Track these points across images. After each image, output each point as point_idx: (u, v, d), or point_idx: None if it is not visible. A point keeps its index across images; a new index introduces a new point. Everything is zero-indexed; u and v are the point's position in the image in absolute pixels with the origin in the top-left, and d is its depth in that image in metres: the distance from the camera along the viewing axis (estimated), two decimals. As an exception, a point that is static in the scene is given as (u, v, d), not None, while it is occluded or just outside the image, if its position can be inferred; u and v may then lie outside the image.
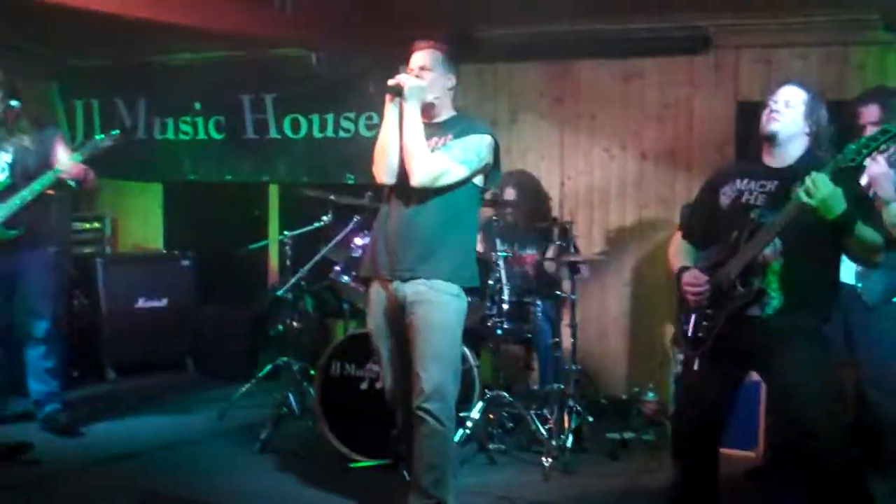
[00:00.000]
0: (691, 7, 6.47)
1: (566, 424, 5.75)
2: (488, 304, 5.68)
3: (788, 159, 3.85)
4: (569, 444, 5.65)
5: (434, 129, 4.37)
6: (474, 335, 5.71)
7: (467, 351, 5.34)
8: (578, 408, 5.90)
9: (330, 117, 7.96)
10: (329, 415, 5.51)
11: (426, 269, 4.27)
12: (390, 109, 4.35)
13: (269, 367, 6.67)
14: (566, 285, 6.21)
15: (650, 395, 6.38)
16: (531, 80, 7.35)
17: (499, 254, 5.74)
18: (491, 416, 5.72)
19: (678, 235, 4.29)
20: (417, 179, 4.22)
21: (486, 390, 5.71)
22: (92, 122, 8.85)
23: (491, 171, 4.42)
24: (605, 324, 7.16)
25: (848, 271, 4.61)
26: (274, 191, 8.48)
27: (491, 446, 5.66)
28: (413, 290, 4.29)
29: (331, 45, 7.30)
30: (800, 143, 3.85)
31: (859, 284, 4.82)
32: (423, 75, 4.33)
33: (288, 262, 6.60)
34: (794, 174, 3.73)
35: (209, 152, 8.51)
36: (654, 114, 6.98)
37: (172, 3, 5.73)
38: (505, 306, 5.68)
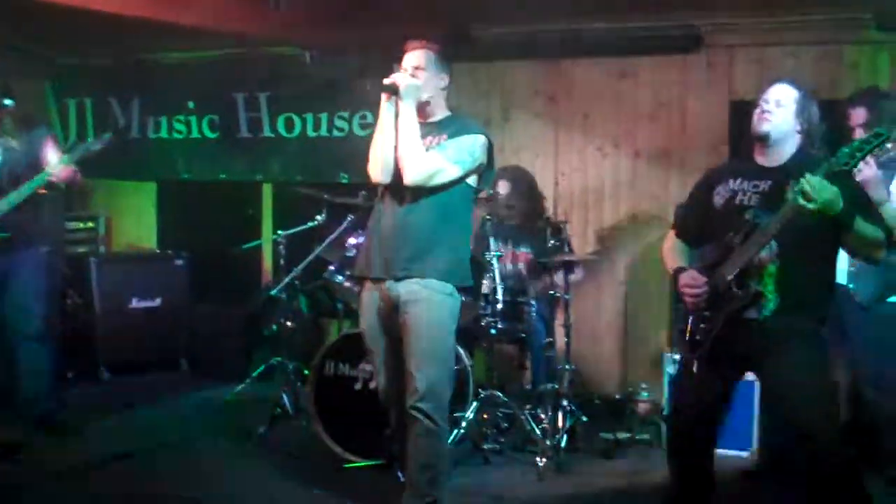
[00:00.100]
0: (684, 6, 6.47)
1: (560, 424, 5.74)
2: (482, 304, 5.68)
3: (781, 158, 3.86)
4: (563, 443, 5.65)
5: (428, 128, 4.38)
6: (468, 335, 5.71)
7: (461, 350, 5.35)
8: (572, 407, 5.89)
9: (324, 116, 7.95)
10: (323, 415, 5.51)
11: (420, 268, 4.28)
12: (385, 108, 4.35)
13: (262, 366, 6.68)
14: (560, 284, 6.20)
15: (644, 394, 6.39)
16: (525, 78, 7.35)
17: (492, 254, 5.74)
18: (485, 416, 5.73)
19: (672, 234, 4.29)
20: (411, 178, 4.23)
21: (480, 390, 5.71)
22: (85, 122, 8.83)
23: (484, 171, 4.42)
24: (599, 323, 7.17)
25: (840, 272, 4.62)
26: (268, 190, 8.47)
27: (485, 446, 5.67)
28: (407, 289, 4.29)
29: (325, 44, 7.29)
30: (792, 141, 3.86)
31: (851, 285, 4.83)
32: (417, 75, 4.34)
33: (282, 262, 6.60)
34: (787, 173, 3.74)
35: (203, 151, 8.50)
36: (647, 112, 6.99)
37: (167, 2, 5.72)
38: (499, 306, 5.68)
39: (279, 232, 6.64)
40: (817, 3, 6.19)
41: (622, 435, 6.03)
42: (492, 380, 5.87)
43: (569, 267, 6.05)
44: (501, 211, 6.28)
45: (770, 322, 3.72)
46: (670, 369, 5.88)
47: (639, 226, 7.00)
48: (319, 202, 6.32)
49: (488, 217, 5.95)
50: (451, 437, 5.16)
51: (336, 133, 7.91)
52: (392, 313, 4.36)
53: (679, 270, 4.04)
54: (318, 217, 6.35)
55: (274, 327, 6.86)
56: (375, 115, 4.41)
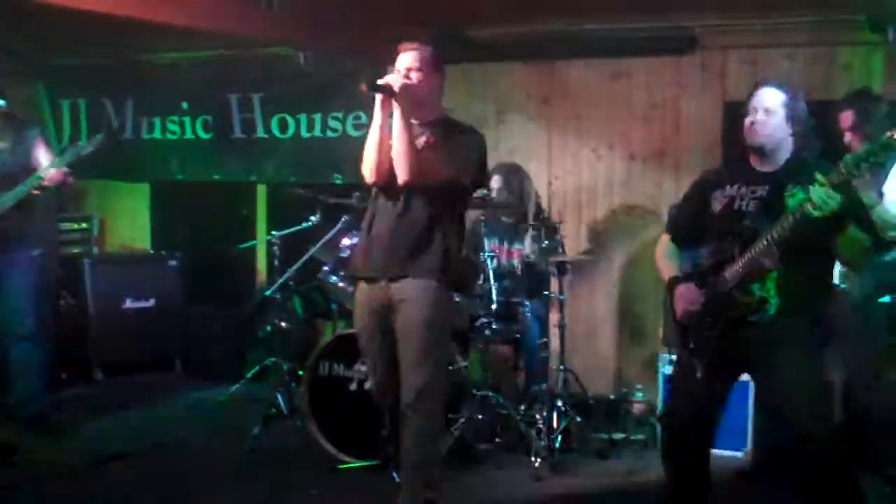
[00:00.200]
0: (678, 7, 6.48)
1: (555, 424, 5.74)
2: (477, 305, 5.68)
3: (777, 163, 3.87)
4: (557, 444, 5.65)
5: (423, 129, 4.38)
6: (463, 335, 5.72)
7: (456, 351, 5.35)
8: (567, 408, 5.90)
9: (318, 117, 7.96)
10: (318, 415, 5.51)
11: (414, 268, 4.28)
12: (379, 109, 4.35)
13: (257, 367, 6.68)
14: (554, 285, 6.21)
15: (639, 394, 6.40)
16: (519, 80, 7.35)
17: (486, 254, 5.74)
18: (480, 417, 5.72)
19: (665, 238, 4.29)
20: (406, 178, 4.23)
21: (475, 391, 5.71)
22: (79, 123, 8.83)
23: (477, 171, 4.42)
24: (594, 323, 7.17)
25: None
26: (262, 190, 8.45)
27: (480, 447, 5.66)
28: (401, 289, 4.29)
29: (318, 45, 7.28)
30: (786, 145, 3.87)
31: (843, 285, 4.84)
32: (411, 76, 4.34)
33: (276, 263, 6.60)
34: (785, 177, 3.77)
35: (197, 152, 8.50)
36: (641, 114, 6.99)
37: (160, 3, 5.71)
38: (493, 307, 5.69)
39: (273, 233, 6.64)
40: (811, 5, 6.19)
41: (617, 435, 6.04)
42: (486, 380, 5.87)
43: (563, 268, 6.06)
44: (495, 205, 6.26)
45: (771, 324, 3.73)
46: (665, 369, 5.89)
47: (633, 227, 7.00)
48: (313, 203, 6.32)
49: (482, 218, 5.95)
50: (446, 438, 5.16)
51: (330, 134, 7.91)
52: (387, 313, 4.36)
53: (674, 281, 4.05)
54: (313, 218, 6.35)
55: (268, 328, 6.85)
56: (369, 116, 4.41)
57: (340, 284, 5.67)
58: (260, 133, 8.19)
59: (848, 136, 4.96)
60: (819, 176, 3.46)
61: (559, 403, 5.85)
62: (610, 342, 7.16)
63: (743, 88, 6.32)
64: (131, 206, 8.99)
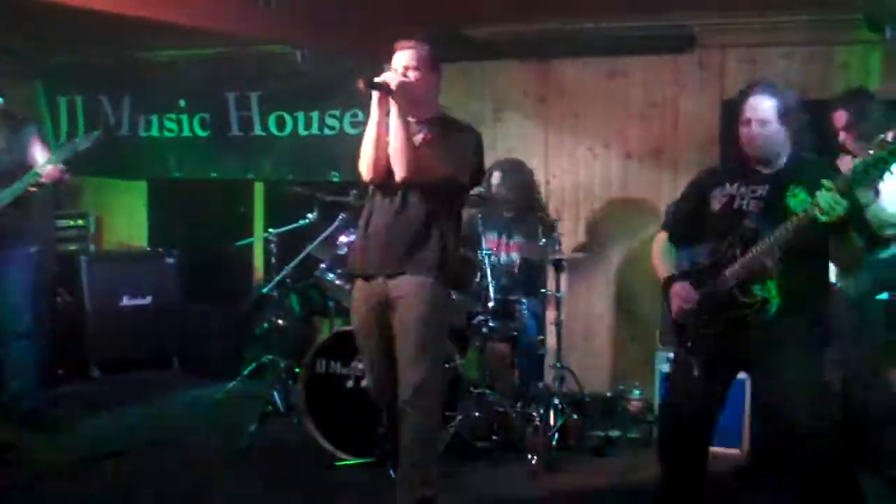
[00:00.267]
0: (676, 6, 6.48)
1: (552, 422, 5.75)
2: (474, 302, 5.69)
3: (777, 164, 3.88)
4: (554, 442, 5.66)
5: (419, 127, 4.39)
6: (460, 333, 5.72)
7: (453, 349, 5.35)
8: (564, 406, 5.90)
9: (315, 115, 7.95)
10: (314, 413, 5.51)
11: (411, 265, 4.29)
12: (376, 107, 4.36)
13: (254, 364, 6.68)
14: (551, 283, 6.21)
15: (635, 392, 6.40)
16: (516, 78, 7.35)
17: (484, 252, 5.75)
18: (476, 414, 5.72)
19: (662, 236, 4.29)
20: (403, 176, 4.24)
21: (472, 388, 5.71)
22: (76, 120, 8.81)
23: (474, 168, 4.43)
24: (590, 322, 7.18)
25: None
26: (259, 188, 8.45)
27: (477, 444, 5.66)
28: (398, 286, 4.30)
29: (316, 43, 7.28)
30: (785, 147, 3.87)
31: (839, 283, 4.85)
32: (408, 74, 4.35)
33: (273, 260, 6.60)
34: (785, 177, 3.78)
35: (194, 149, 8.49)
36: (638, 113, 6.99)
37: (158, 1, 5.71)
38: (490, 304, 5.69)
39: (270, 230, 6.64)
40: (809, 4, 6.20)
41: (614, 433, 6.05)
42: (483, 378, 5.87)
43: (560, 265, 6.06)
44: (494, 200, 6.27)
45: (771, 323, 3.74)
46: (662, 367, 5.89)
47: (630, 225, 7.00)
48: (311, 200, 6.32)
49: (479, 215, 5.96)
50: (443, 435, 5.16)
51: (327, 131, 7.90)
52: (384, 311, 4.37)
53: (671, 280, 4.05)
54: (310, 215, 6.34)
55: (265, 325, 6.85)
56: (366, 114, 4.41)
57: (337, 282, 5.67)
58: (257, 131, 8.18)
59: (842, 136, 4.97)
60: (827, 182, 3.47)
61: (556, 401, 5.85)
62: (607, 340, 7.16)
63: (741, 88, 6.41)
64: (128, 203, 8.98)
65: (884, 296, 4.99)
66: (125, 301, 7.87)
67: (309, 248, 6.14)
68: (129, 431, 6.18)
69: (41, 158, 5.77)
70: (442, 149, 4.29)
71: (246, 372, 6.67)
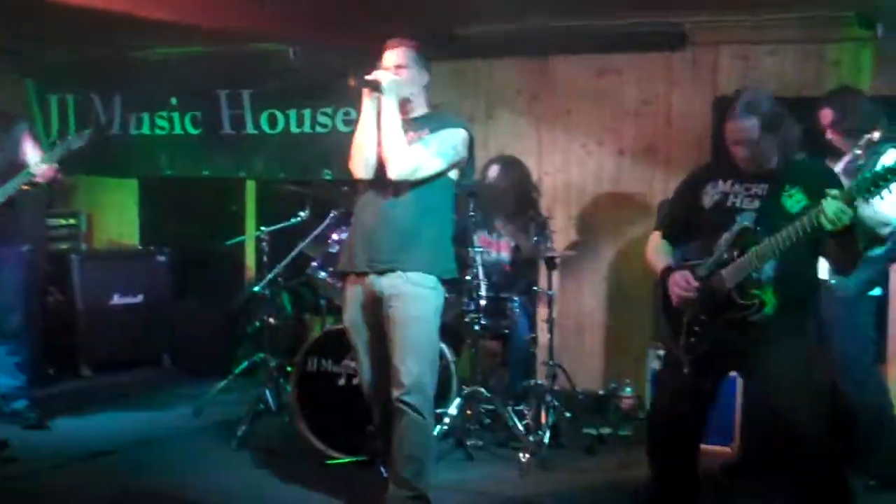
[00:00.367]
0: (669, 4, 6.47)
1: (543, 420, 5.75)
2: (465, 300, 5.68)
3: (767, 167, 3.86)
4: (546, 439, 5.66)
5: (410, 124, 4.41)
6: (452, 331, 5.70)
7: (444, 346, 5.34)
8: (556, 403, 5.90)
9: (307, 113, 7.93)
10: (306, 411, 5.49)
11: (403, 261, 4.30)
12: (367, 104, 4.37)
13: (245, 363, 6.65)
14: (543, 280, 6.20)
15: (627, 390, 6.40)
16: (508, 76, 7.34)
17: (476, 250, 5.74)
18: (468, 412, 5.72)
19: (656, 235, 4.29)
20: (395, 172, 4.25)
21: (464, 386, 5.71)
22: (67, 118, 8.79)
23: (466, 165, 4.46)
24: (582, 319, 7.17)
25: (822, 267, 4.64)
26: (251, 186, 8.43)
27: (468, 442, 5.67)
28: (390, 283, 4.31)
29: (308, 41, 7.27)
30: (772, 153, 3.85)
31: (833, 280, 4.84)
32: (398, 73, 4.37)
33: (265, 258, 6.58)
34: (780, 177, 3.78)
35: (186, 147, 8.48)
36: (631, 110, 6.98)
37: (150, -1, 5.70)
38: (482, 302, 5.69)
39: (262, 228, 6.62)
40: (801, 2, 6.19)
41: (605, 430, 6.04)
42: (475, 376, 5.86)
43: (552, 263, 6.05)
44: (490, 195, 6.25)
45: (768, 323, 3.74)
46: (653, 365, 5.89)
47: (622, 222, 6.99)
48: (303, 198, 6.31)
49: (471, 214, 5.95)
50: (435, 433, 5.15)
51: (319, 129, 7.89)
52: (375, 307, 4.37)
53: (668, 269, 4.04)
54: (302, 213, 6.34)
55: (257, 324, 6.82)
56: (359, 112, 4.44)
57: (329, 280, 5.66)
58: (249, 129, 8.16)
59: (829, 133, 4.98)
60: (833, 191, 3.45)
61: (547, 399, 5.84)
62: (599, 337, 7.15)
63: (734, 84, 6.40)
64: (119, 201, 8.96)
65: (878, 291, 5.00)
66: (116, 299, 7.85)
67: (301, 245, 6.13)
68: (120, 430, 6.15)
69: (32, 156, 5.77)
70: (433, 144, 4.30)
71: (237, 370, 6.64)
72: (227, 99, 8.19)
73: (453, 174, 4.41)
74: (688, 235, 4.15)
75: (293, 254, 6.21)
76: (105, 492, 5.00)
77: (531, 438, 5.56)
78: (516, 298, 6.02)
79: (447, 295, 4.55)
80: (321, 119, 7.87)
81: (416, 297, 4.28)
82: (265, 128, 8.09)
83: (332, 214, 6.04)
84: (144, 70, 8.36)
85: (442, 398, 5.30)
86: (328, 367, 5.52)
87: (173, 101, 8.42)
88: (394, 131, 4.26)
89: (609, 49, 6.96)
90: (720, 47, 6.70)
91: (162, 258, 8.14)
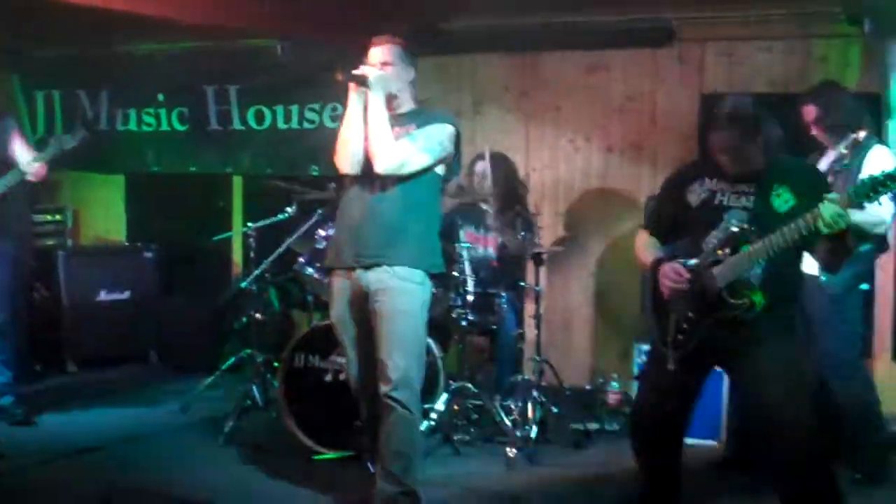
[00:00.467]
0: (656, 0, 6.48)
1: (531, 415, 5.75)
2: (453, 296, 5.68)
3: (752, 168, 3.85)
4: (533, 434, 5.65)
5: (397, 120, 4.41)
6: (439, 326, 5.70)
7: (431, 342, 5.34)
8: (543, 399, 5.90)
9: (294, 108, 7.92)
10: (293, 407, 5.49)
11: (390, 255, 4.30)
12: (354, 99, 4.37)
13: (232, 359, 6.64)
14: (531, 276, 6.20)
15: (614, 385, 6.42)
16: (496, 72, 7.34)
17: (462, 245, 5.74)
18: (455, 408, 5.72)
19: (644, 233, 4.28)
20: (382, 167, 4.25)
21: (451, 381, 5.71)
22: (53, 114, 8.76)
23: (452, 160, 4.46)
24: (569, 315, 7.18)
25: (811, 263, 4.65)
26: (238, 182, 8.41)
27: (455, 437, 5.66)
28: (377, 277, 4.31)
29: (296, 36, 7.25)
30: (756, 154, 3.85)
31: (824, 277, 4.85)
32: (385, 69, 4.37)
33: (252, 254, 6.57)
34: (768, 177, 3.78)
35: (172, 144, 8.45)
36: (618, 106, 6.99)
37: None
38: (469, 297, 5.69)
39: (249, 224, 6.60)
40: (788, -2, 6.23)
41: (592, 426, 6.06)
42: (462, 371, 5.86)
43: (539, 258, 6.06)
44: (477, 191, 6.25)
45: (756, 320, 3.74)
46: (640, 360, 5.90)
47: (610, 218, 7.00)
48: (290, 194, 6.30)
49: (458, 210, 5.96)
50: (422, 429, 5.15)
51: (307, 125, 7.87)
52: (362, 302, 4.37)
53: (659, 261, 4.03)
54: (289, 209, 6.33)
55: (244, 319, 6.82)
56: (346, 107, 4.42)
57: (316, 276, 5.65)
58: (236, 125, 8.14)
59: (813, 130, 4.99)
60: (831, 195, 3.47)
61: (535, 394, 5.84)
62: (586, 333, 7.17)
63: (720, 81, 6.45)
64: (106, 197, 8.93)
65: (866, 286, 5.02)
66: (103, 296, 7.84)
67: (288, 241, 6.12)
68: (106, 426, 6.14)
69: (22, 154, 5.76)
70: (420, 139, 4.30)
71: (224, 366, 6.63)
72: (213, 95, 8.16)
73: (440, 169, 4.41)
74: (675, 233, 4.14)
75: (280, 250, 6.20)
76: (92, 488, 4.97)
77: (518, 434, 5.56)
78: (503, 294, 6.02)
79: (434, 290, 4.55)
80: (308, 115, 7.85)
81: (402, 291, 4.28)
82: (252, 124, 8.08)
83: (319, 210, 6.05)
84: (131, 66, 8.35)
85: (429, 393, 5.31)
86: (315, 363, 5.52)
87: (160, 97, 8.39)
88: (380, 126, 4.26)
89: (596, 45, 6.97)
90: (707, 44, 6.71)
91: (148, 254, 8.12)
